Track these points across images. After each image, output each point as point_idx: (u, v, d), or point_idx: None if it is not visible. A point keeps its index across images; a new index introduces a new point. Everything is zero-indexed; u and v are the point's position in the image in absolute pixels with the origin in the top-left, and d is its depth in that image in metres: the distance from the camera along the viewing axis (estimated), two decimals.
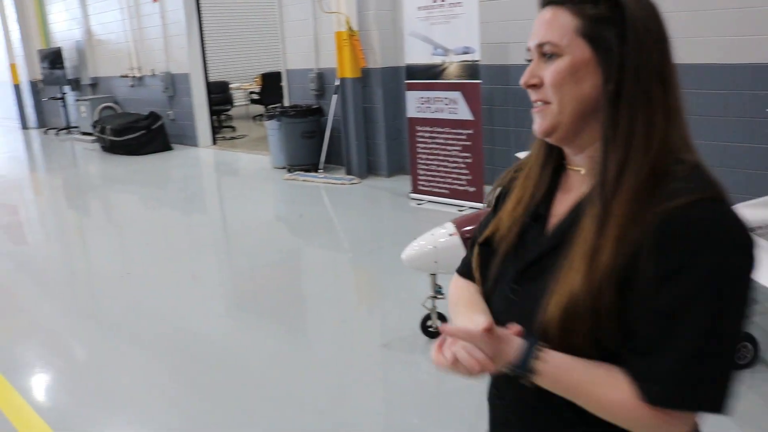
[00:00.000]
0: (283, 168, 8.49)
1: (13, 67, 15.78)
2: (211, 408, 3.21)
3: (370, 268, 5.15)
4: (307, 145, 8.22)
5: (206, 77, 10.94)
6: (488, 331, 0.96)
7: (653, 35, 0.99)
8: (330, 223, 6.55)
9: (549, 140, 1.09)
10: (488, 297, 1.19)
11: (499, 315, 1.12)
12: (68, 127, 14.08)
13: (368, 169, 7.90)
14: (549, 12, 1.04)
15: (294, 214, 6.90)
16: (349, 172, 7.91)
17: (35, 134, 15.18)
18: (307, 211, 6.83)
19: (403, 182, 7.34)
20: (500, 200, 1.24)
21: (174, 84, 11.10)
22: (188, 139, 11.15)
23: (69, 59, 13.81)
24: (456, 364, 0.99)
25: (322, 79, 8.36)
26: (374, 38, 7.50)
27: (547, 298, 1.00)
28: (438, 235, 3.54)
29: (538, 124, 1.07)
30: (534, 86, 1.06)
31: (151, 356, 3.81)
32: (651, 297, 0.92)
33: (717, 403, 0.92)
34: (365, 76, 7.66)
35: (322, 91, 8.39)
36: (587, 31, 1.00)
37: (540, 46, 1.04)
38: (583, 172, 1.09)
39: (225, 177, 9.47)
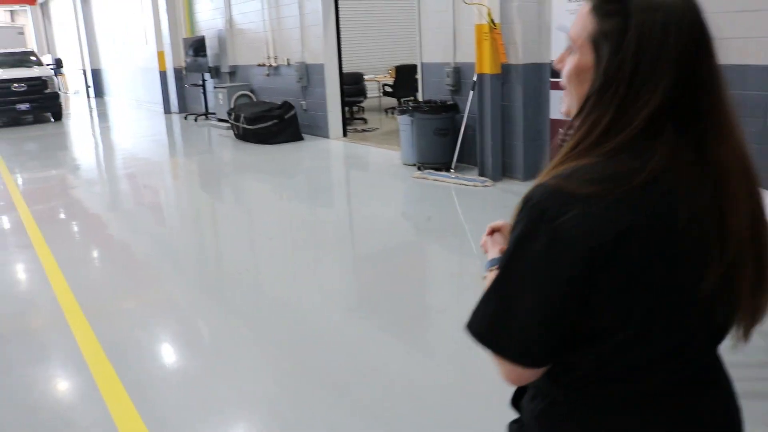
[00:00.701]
0: (413, 165, 8.16)
1: (160, 55, 16.47)
2: (327, 399, 3.18)
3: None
4: (439, 143, 7.84)
5: (340, 68, 10.81)
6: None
7: (651, 58, 1.01)
8: (459, 227, 6.14)
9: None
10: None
11: None
12: (206, 113, 14.49)
13: (503, 172, 7.42)
14: (584, 7, 1.08)
15: (421, 214, 6.55)
16: (482, 174, 7.46)
17: (176, 119, 15.79)
18: (435, 212, 6.46)
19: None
20: None
21: (308, 74, 11.05)
22: (319, 130, 11.08)
23: (211, 48, 14.18)
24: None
25: (458, 74, 7.94)
26: (517, 32, 6.99)
27: None
28: None
29: (563, 106, 1.18)
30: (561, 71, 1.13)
31: (268, 343, 3.90)
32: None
33: (484, 338, 1.08)
34: (505, 72, 7.17)
35: (458, 86, 7.96)
36: (594, 39, 1.06)
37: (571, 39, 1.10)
38: None
39: (353, 171, 9.29)
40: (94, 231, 6.74)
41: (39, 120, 17.38)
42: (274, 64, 12.03)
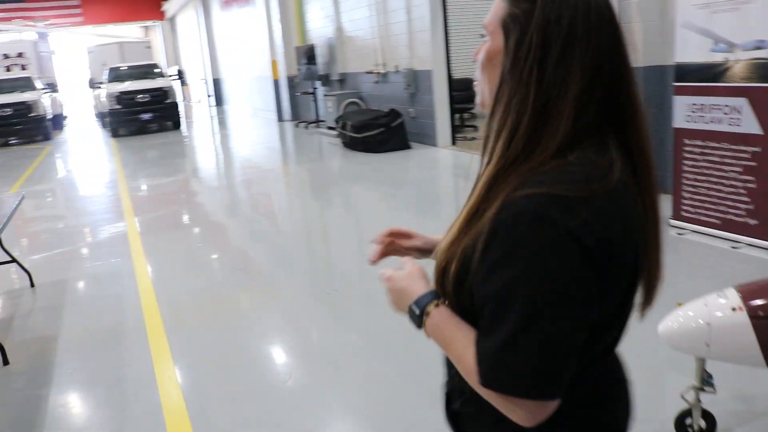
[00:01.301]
0: None
1: (273, 64, 16.78)
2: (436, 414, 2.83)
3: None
4: None
5: (449, 74, 10.49)
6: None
7: (559, 41, 0.99)
8: None
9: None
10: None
11: None
12: (317, 121, 14.57)
13: None
14: None
15: None
16: None
17: (288, 126, 16.01)
18: None
19: (661, 203, 6.21)
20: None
21: (416, 81, 10.81)
22: (427, 138, 10.81)
23: (321, 56, 14.25)
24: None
25: None
26: (636, 31, 6.41)
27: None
28: (714, 306, 2.59)
29: (477, 97, 1.15)
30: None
31: (378, 353, 3.88)
32: (482, 281, 0.99)
33: (528, 389, 0.95)
34: None
35: None
36: (504, 22, 1.05)
37: (485, 26, 1.10)
38: None
39: (461, 181, 8.93)
40: (209, 235, 6.80)
41: (162, 128, 18.18)
42: (382, 71, 11.88)
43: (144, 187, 10.14)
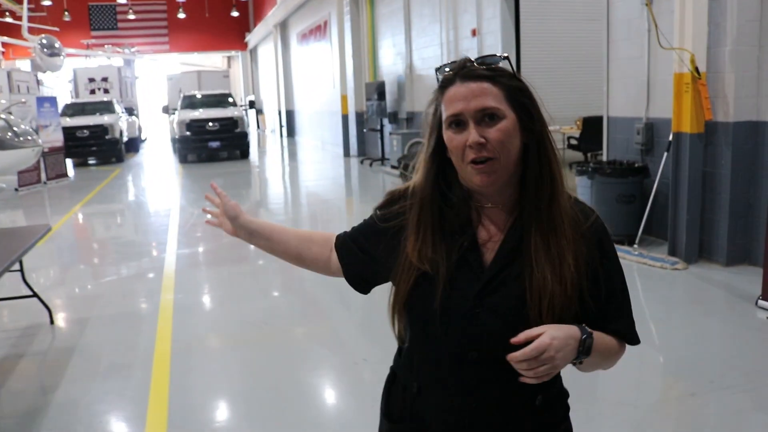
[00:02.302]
0: None
1: (343, 98, 16.58)
2: None
3: (700, 418, 3.52)
4: (623, 212, 6.66)
5: None
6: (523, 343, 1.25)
7: (537, 104, 1.34)
8: (640, 320, 4.95)
9: (489, 189, 1.31)
10: (431, 317, 1.34)
11: (458, 326, 1.32)
12: (382, 159, 14.20)
13: (699, 252, 6.08)
14: (474, 84, 1.28)
15: None
16: (672, 253, 6.17)
17: (354, 162, 15.72)
18: None
19: (748, 278, 5.43)
20: (388, 234, 1.45)
21: None
22: None
23: (390, 93, 13.93)
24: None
25: (651, 131, 6.73)
26: (728, 83, 5.72)
27: (532, 305, 1.28)
28: None
29: (486, 179, 1.28)
30: (482, 144, 1.26)
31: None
32: (610, 283, 1.37)
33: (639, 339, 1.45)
34: (710, 131, 5.90)
35: (649, 145, 6.75)
36: (511, 98, 1.29)
37: (482, 110, 1.26)
38: (501, 208, 1.35)
39: None
40: (255, 272, 6.41)
41: (231, 157, 18.22)
42: None
43: (199, 217, 9.91)
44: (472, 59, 1.33)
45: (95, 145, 17.94)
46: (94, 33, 29.97)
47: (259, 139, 26.50)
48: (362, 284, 1.54)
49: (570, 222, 1.32)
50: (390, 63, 14.22)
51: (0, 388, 4.13)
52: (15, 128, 11.92)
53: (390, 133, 13.40)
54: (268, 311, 5.47)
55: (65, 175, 15.16)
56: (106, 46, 27.53)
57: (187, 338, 4.86)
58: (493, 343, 1.29)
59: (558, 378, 1.44)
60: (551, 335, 1.22)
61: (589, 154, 11.11)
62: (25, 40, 20.00)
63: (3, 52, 28.99)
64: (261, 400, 3.87)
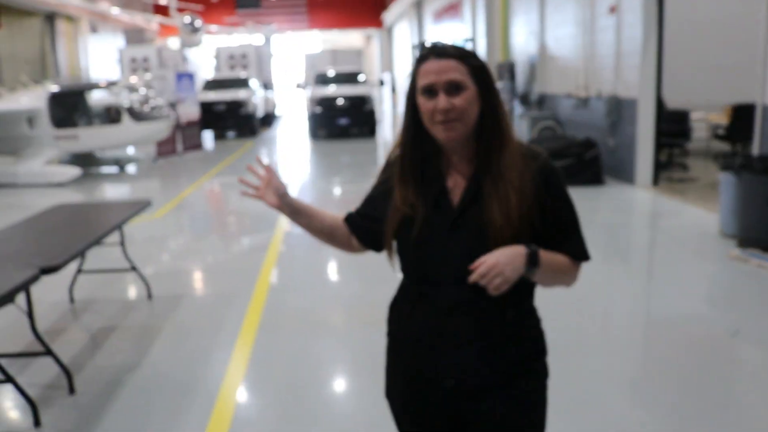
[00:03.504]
0: (733, 238, 6.21)
1: None
2: None
3: None
4: None
5: (658, 104, 9.02)
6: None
7: (492, 79, 1.70)
8: None
9: (452, 143, 1.67)
10: (413, 250, 1.72)
11: (435, 257, 1.69)
12: None
13: None
14: (444, 62, 1.62)
15: (727, 320, 4.66)
16: None
17: None
18: (749, 322, 4.55)
19: None
20: (384, 198, 1.80)
21: (619, 109, 9.46)
22: (624, 174, 9.41)
23: (522, 73, 13.27)
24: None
25: None
26: None
27: (490, 234, 1.63)
28: None
29: (450, 135, 1.64)
30: (447, 110, 1.61)
31: None
32: (556, 212, 1.71)
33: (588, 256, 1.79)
34: None
35: None
36: (474, 74, 1.64)
37: (450, 82, 1.61)
38: (465, 158, 1.71)
39: (654, 233, 7.53)
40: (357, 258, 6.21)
41: (361, 134, 18.19)
42: (583, 95, 10.62)
43: (318, 193, 9.84)
44: (441, 43, 1.68)
45: (231, 119, 18.50)
46: (238, 11, 31.01)
47: (394, 117, 26.41)
48: (376, 244, 1.87)
49: (517, 169, 1.64)
50: (522, 42, 13.53)
51: (87, 361, 4.14)
52: (152, 102, 12.41)
53: (519, 116, 12.76)
54: (361, 297, 5.20)
55: (200, 146, 15.72)
56: (247, 24, 28.39)
57: (273, 321, 4.69)
58: (463, 267, 1.60)
59: (527, 299, 1.76)
60: (496, 256, 1.56)
61: (739, 146, 10.00)
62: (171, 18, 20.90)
63: (157, 31, 30.67)
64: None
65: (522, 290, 1.68)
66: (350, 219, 1.92)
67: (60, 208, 5.07)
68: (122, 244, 5.13)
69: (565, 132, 11.46)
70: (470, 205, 1.67)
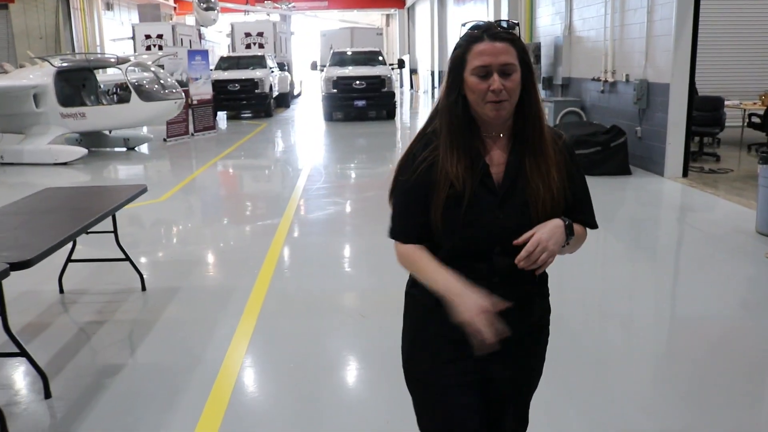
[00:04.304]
0: None
1: None
2: None
3: None
4: None
5: (691, 90, 8.52)
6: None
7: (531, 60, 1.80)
8: None
9: (499, 120, 1.75)
10: (461, 228, 1.75)
11: (486, 231, 1.76)
12: None
13: None
14: (499, 44, 1.70)
15: (761, 326, 4.27)
16: None
17: None
18: None
19: None
20: (423, 180, 1.78)
21: (648, 94, 8.96)
22: (653, 164, 8.94)
23: (546, 56, 12.76)
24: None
25: None
26: None
27: (533, 208, 1.75)
28: None
29: (499, 114, 1.72)
30: (500, 91, 1.69)
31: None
32: (578, 184, 1.84)
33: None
34: None
35: None
36: (520, 57, 1.73)
37: (504, 65, 1.69)
38: (502, 135, 1.80)
39: (684, 228, 7.07)
40: (369, 248, 5.84)
41: (378, 116, 17.77)
42: (610, 80, 10.12)
43: (329, 179, 9.45)
44: (494, 23, 1.77)
45: (245, 99, 18.13)
46: None
47: (412, 99, 25.90)
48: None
49: (551, 144, 1.79)
50: (548, 23, 13.00)
51: (69, 360, 3.81)
52: (162, 81, 12.05)
53: (543, 100, 12.21)
54: (362, 296, 4.83)
55: (212, 127, 15.37)
56: (265, 1, 27.91)
57: (271, 322, 4.33)
58: (509, 238, 1.73)
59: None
60: (540, 233, 1.70)
61: None
62: None
63: (174, 8, 30.30)
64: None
65: None
66: (419, 236, 1.84)
67: (48, 192, 4.74)
68: (115, 232, 4.78)
69: (590, 118, 10.96)
70: (513, 181, 1.76)
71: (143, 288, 4.88)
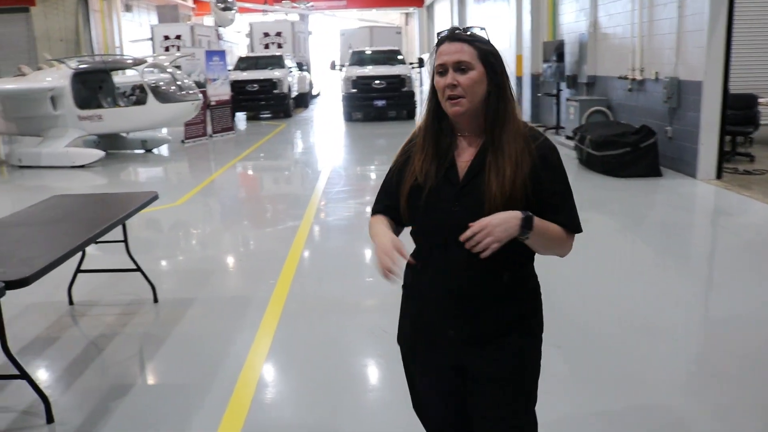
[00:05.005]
0: None
1: (518, 59, 15.18)
2: None
3: None
4: None
5: (725, 87, 8.16)
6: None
7: (504, 66, 1.88)
8: None
9: (458, 118, 1.86)
10: (421, 216, 1.90)
11: (442, 222, 1.86)
12: (557, 127, 12.77)
13: None
14: (456, 44, 1.82)
15: None
16: None
17: None
18: None
19: None
20: (402, 167, 1.97)
21: (680, 93, 8.62)
22: (684, 165, 8.60)
23: (570, 54, 12.41)
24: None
25: None
26: None
27: (486, 204, 1.80)
28: None
29: (456, 110, 1.83)
30: (453, 86, 1.81)
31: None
32: (551, 185, 1.86)
33: (581, 227, 1.92)
34: None
35: None
36: (482, 57, 1.83)
37: (458, 62, 1.81)
38: (474, 134, 1.90)
39: (719, 234, 6.74)
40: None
41: (399, 117, 17.53)
42: (638, 78, 9.77)
43: (349, 181, 9.23)
44: (460, 28, 1.89)
45: (264, 100, 17.96)
46: None
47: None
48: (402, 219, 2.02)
49: (519, 145, 1.84)
50: (572, 20, 12.65)
51: (76, 379, 3.61)
52: (179, 82, 11.89)
53: (567, 99, 11.94)
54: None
55: (231, 128, 15.21)
56: (284, 1, 27.75)
57: (288, 336, 4.10)
58: (464, 231, 1.76)
59: (525, 264, 1.94)
60: (489, 218, 1.75)
61: None
62: None
63: (193, 9, 30.25)
64: None
65: (519, 256, 1.88)
66: (385, 210, 2.02)
67: (54, 200, 4.55)
68: (125, 241, 4.58)
69: (616, 118, 10.62)
70: (474, 177, 1.85)
71: (155, 299, 4.68)
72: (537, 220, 1.78)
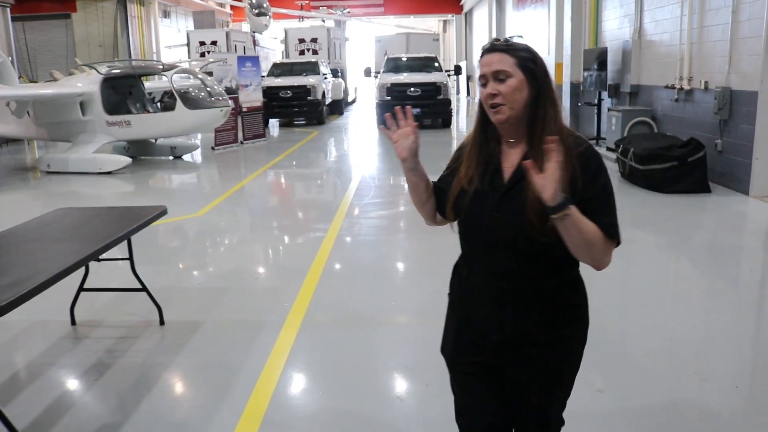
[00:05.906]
0: None
1: (558, 67, 14.68)
2: None
3: None
4: None
5: None
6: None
7: (547, 72, 1.89)
8: None
9: (502, 125, 1.89)
10: (464, 220, 1.97)
11: (484, 226, 1.90)
12: (597, 138, 12.25)
13: None
14: (494, 55, 1.87)
15: None
16: None
17: None
18: None
19: None
20: (453, 170, 2.04)
21: (731, 104, 8.08)
22: (736, 182, 8.05)
23: (613, 62, 11.89)
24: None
25: None
26: None
27: (528, 209, 1.81)
28: None
29: (498, 117, 1.87)
30: (493, 95, 1.85)
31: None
32: (592, 191, 1.83)
33: (619, 238, 1.86)
34: None
35: None
36: (521, 64, 1.85)
37: (496, 72, 1.85)
38: (512, 140, 1.92)
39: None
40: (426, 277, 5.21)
41: (434, 125, 17.15)
42: (686, 87, 9.24)
43: (378, 193, 8.87)
44: (500, 39, 1.93)
45: (297, 106, 17.75)
46: None
47: (470, 107, 25.15)
48: (443, 213, 2.09)
49: (565, 150, 1.79)
50: (615, 27, 12.13)
51: (64, 414, 3.30)
52: (209, 88, 11.69)
53: (609, 109, 11.42)
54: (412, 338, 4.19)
55: (262, 135, 14.99)
56: (321, 7, 27.60)
57: (300, 371, 3.75)
58: (508, 237, 1.86)
59: (567, 270, 1.94)
60: (546, 175, 1.73)
61: None
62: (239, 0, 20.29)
63: (231, 15, 30.31)
64: None
65: (561, 262, 1.88)
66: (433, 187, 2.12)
67: (58, 213, 4.28)
68: (130, 258, 4.28)
69: (661, 129, 10.09)
70: (517, 182, 1.86)
71: (161, 322, 4.37)
72: (575, 210, 1.75)
